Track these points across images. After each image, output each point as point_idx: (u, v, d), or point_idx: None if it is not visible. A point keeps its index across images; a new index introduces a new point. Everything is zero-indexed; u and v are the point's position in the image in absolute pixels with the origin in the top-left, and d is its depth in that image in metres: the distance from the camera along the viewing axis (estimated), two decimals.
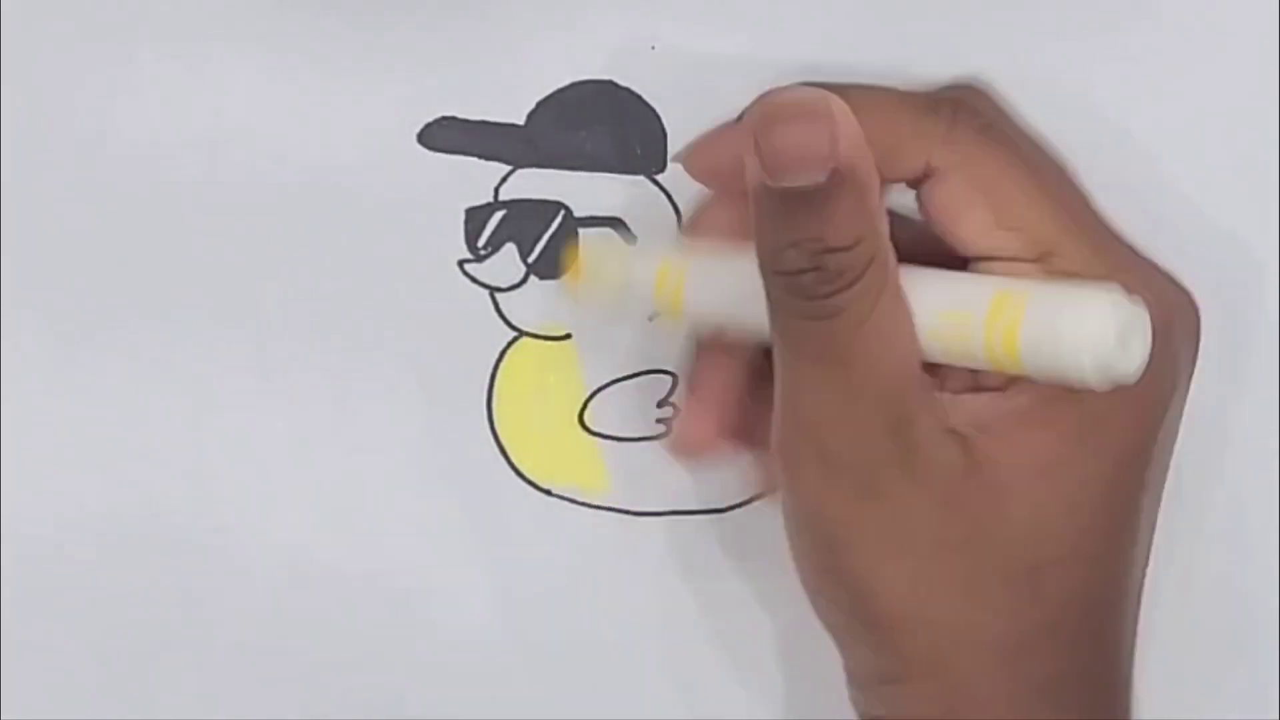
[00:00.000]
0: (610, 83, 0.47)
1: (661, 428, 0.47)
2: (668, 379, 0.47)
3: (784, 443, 0.40)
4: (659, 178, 0.47)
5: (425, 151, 0.47)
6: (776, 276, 0.38)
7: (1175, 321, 0.40)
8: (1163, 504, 0.45)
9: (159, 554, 0.46)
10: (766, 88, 0.47)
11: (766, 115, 0.38)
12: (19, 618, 0.46)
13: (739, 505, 0.47)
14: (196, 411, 0.47)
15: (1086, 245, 0.39)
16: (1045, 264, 0.39)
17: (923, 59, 0.47)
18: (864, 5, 0.47)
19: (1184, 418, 0.43)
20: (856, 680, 0.41)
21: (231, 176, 0.47)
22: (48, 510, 0.46)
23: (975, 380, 0.39)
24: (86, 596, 0.46)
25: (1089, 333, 0.35)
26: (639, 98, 0.47)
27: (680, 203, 0.47)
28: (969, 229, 0.39)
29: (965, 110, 0.40)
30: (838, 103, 0.37)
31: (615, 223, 0.47)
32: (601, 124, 0.47)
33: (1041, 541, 0.39)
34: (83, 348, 0.46)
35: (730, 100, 0.47)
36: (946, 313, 0.38)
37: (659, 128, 0.47)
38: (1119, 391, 0.37)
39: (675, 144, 0.47)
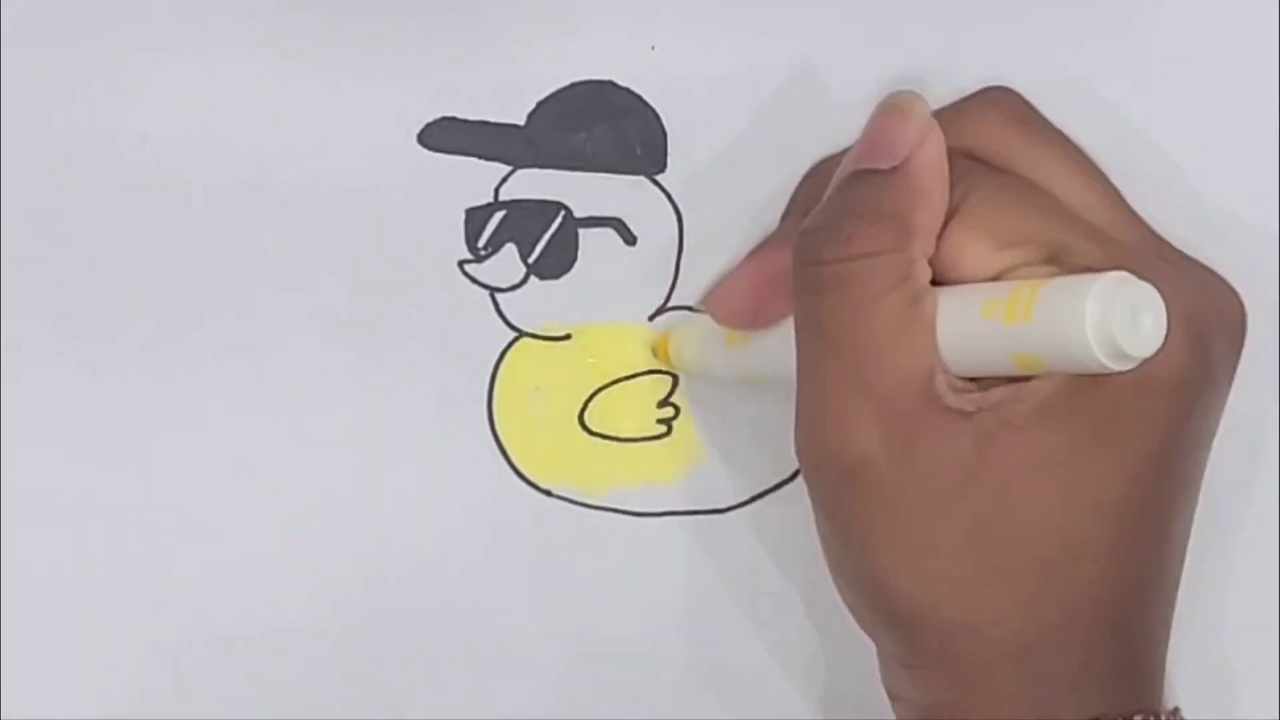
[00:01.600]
0: (610, 83, 0.47)
1: (662, 428, 0.47)
2: (668, 379, 0.47)
3: (798, 434, 0.40)
4: (659, 178, 0.47)
5: (425, 151, 0.47)
6: (799, 241, 0.39)
7: (1208, 315, 0.39)
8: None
9: (159, 553, 0.46)
10: (766, 88, 0.47)
11: (878, 106, 0.40)
12: (19, 618, 0.46)
13: (739, 505, 0.47)
14: (196, 411, 0.46)
15: (1095, 240, 0.39)
16: (1058, 263, 0.39)
17: (923, 60, 0.47)
18: (864, 6, 0.47)
19: None
20: (881, 656, 0.42)
21: (231, 176, 0.47)
22: (48, 510, 0.46)
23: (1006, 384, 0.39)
24: (87, 596, 0.46)
25: (1092, 310, 0.35)
26: (639, 98, 0.47)
27: (680, 203, 0.47)
28: (970, 264, 0.39)
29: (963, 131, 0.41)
30: (926, 113, 0.39)
31: (615, 223, 0.47)
32: (601, 124, 0.47)
33: (1050, 539, 0.38)
34: (82, 347, 0.46)
35: (730, 100, 0.47)
36: (970, 315, 0.38)
37: (659, 128, 0.47)
38: (1140, 388, 0.37)
39: (675, 144, 0.47)
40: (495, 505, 0.47)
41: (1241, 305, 0.41)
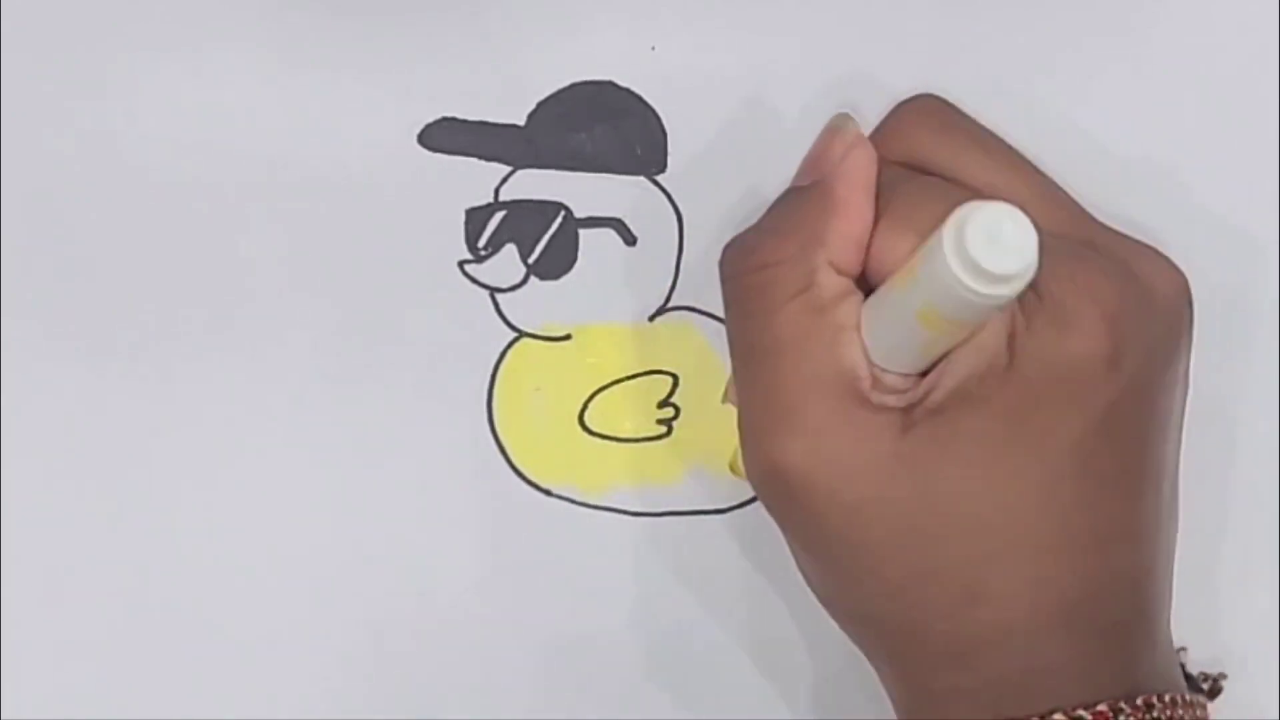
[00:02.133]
0: (610, 83, 0.47)
1: (662, 428, 0.47)
2: (668, 379, 0.47)
3: (742, 455, 0.41)
4: (659, 178, 0.47)
5: (425, 151, 0.47)
6: (721, 258, 0.41)
7: (1136, 297, 0.39)
8: None
9: (158, 553, 0.46)
10: (766, 88, 0.47)
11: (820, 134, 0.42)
12: (19, 618, 0.46)
13: (739, 505, 0.47)
14: (195, 411, 0.46)
15: None
16: None
17: (922, 60, 0.47)
18: (863, 6, 0.47)
19: (1184, 418, 0.43)
20: None
21: (232, 178, 0.47)
22: (48, 509, 0.46)
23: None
24: (87, 596, 0.46)
25: (948, 236, 0.35)
26: (639, 98, 0.47)
27: (680, 203, 0.47)
28: (901, 262, 0.39)
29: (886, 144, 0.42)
30: (856, 133, 0.41)
31: (615, 223, 0.47)
32: (601, 124, 0.47)
33: (978, 535, 0.38)
34: (82, 347, 0.46)
35: (730, 100, 0.47)
36: (884, 290, 0.39)
37: (659, 128, 0.47)
38: (1057, 375, 0.37)
39: (675, 144, 0.47)
40: (495, 505, 0.47)
41: (1180, 282, 0.41)
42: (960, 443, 0.38)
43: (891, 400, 0.39)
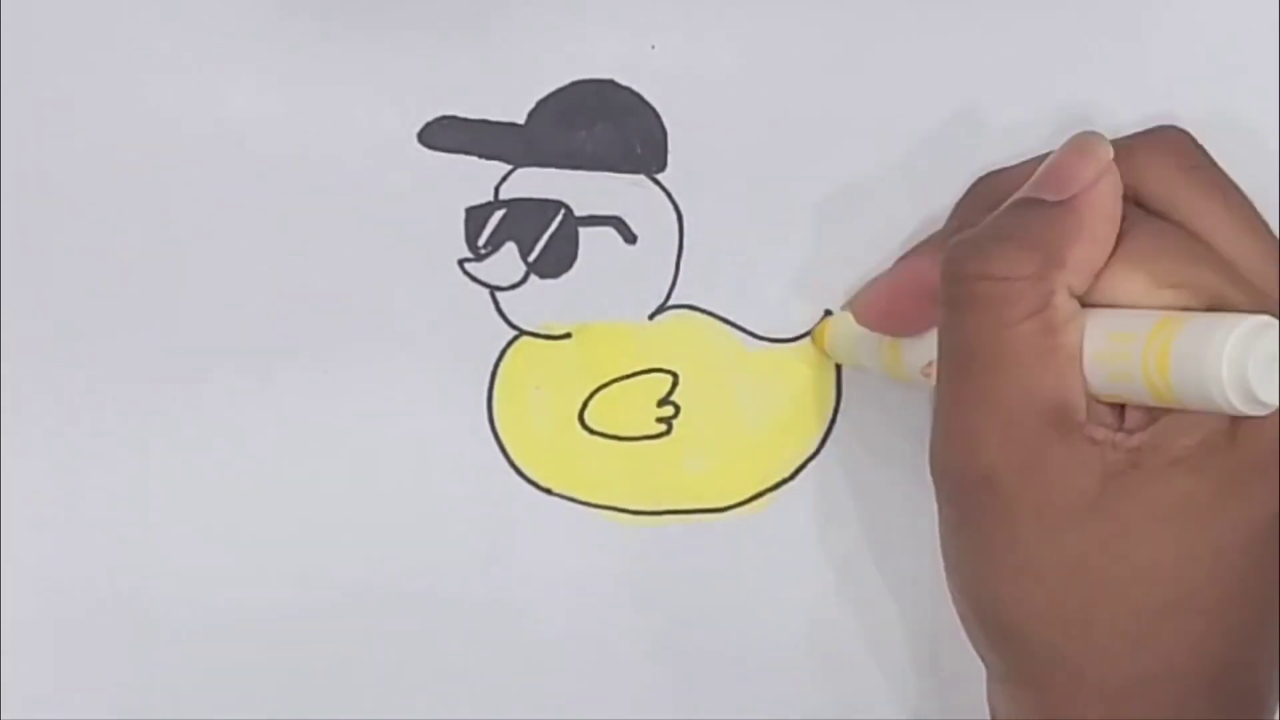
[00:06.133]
0: (610, 82, 0.47)
1: (662, 427, 0.47)
2: (668, 377, 0.47)
3: (931, 443, 0.41)
4: (659, 177, 0.47)
5: (425, 151, 0.47)
6: (949, 250, 0.40)
7: None
8: None
9: (158, 553, 0.46)
10: (766, 88, 0.47)
11: (1065, 143, 0.41)
12: (19, 618, 0.46)
13: (739, 505, 0.47)
14: (195, 411, 0.46)
15: (1252, 294, 0.39)
16: (1214, 310, 0.39)
17: (924, 62, 0.47)
18: (864, 6, 0.47)
19: None
20: (986, 669, 0.42)
21: (232, 176, 0.47)
22: (48, 510, 0.46)
23: (1151, 418, 0.39)
24: (87, 596, 0.46)
25: (1230, 350, 0.35)
26: (639, 98, 0.47)
27: (680, 202, 0.47)
28: (1127, 300, 0.39)
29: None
30: (1107, 156, 0.40)
31: (615, 221, 0.47)
32: (601, 124, 0.47)
33: (1160, 586, 0.39)
34: (82, 346, 0.46)
35: (730, 100, 0.47)
36: (1114, 334, 0.39)
37: (659, 128, 0.47)
38: (1274, 449, 0.38)
39: (675, 144, 0.47)
40: (495, 504, 0.47)
41: None
42: (1165, 503, 0.38)
43: (1100, 434, 0.39)
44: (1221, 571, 0.39)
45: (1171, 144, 0.42)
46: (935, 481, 0.41)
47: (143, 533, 0.46)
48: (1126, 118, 0.47)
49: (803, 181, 0.47)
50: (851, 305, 0.46)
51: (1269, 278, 0.41)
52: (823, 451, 0.47)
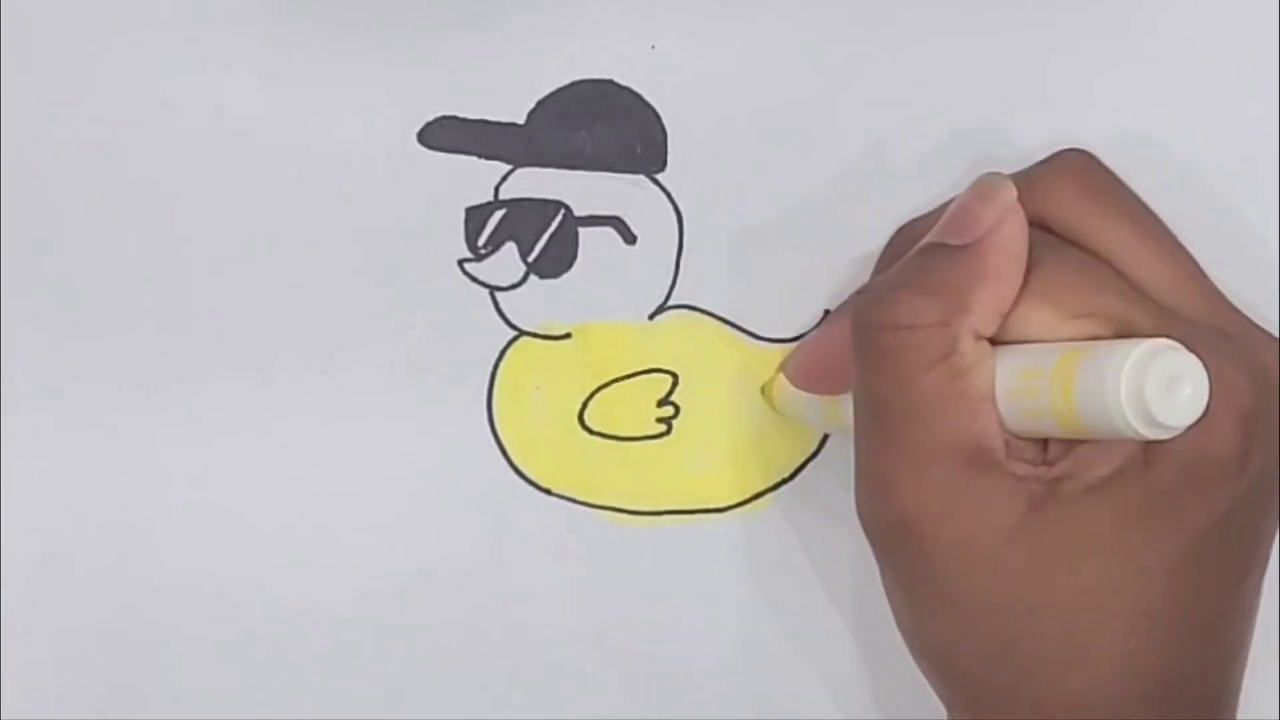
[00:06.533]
0: (610, 82, 0.47)
1: (662, 427, 0.47)
2: (668, 377, 0.47)
3: (855, 491, 0.41)
4: (659, 177, 0.47)
5: (425, 151, 0.47)
6: (855, 302, 0.41)
7: (1270, 393, 0.39)
8: None
9: (158, 553, 0.46)
10: (766, 88, 0.47)
11: (969, 186, 0.41)
12: (19, 617, 0.46)
13: (739, 505, 0.47)
14: (194, 411, 0.46)
15: (1161, 318, 0.40)
16: (1124, 338, 0.39)
17: (923, 61, 0.47)
18: (865, 6, 0.47)
19: None
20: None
21: (231, 176, 0.47)
22: (49, 510, 0.46)
23: (1071, 448, 0.39)
24: (87, 596, 0.46)
25: (1127, 375, 0.36)
26: (639, 97, 0.47)
27: (680, 202, 0.47)
28: (1036, 334, 0.40)
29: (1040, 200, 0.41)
30: (1011, 197, 0.40)
31: (615, 222, 0.47)
32: (601, 124, 0.47)
33: (1085, 610, 0.39)
34: (82, 346, 0.46)
35: (730, 100, 0.47)
36: (1024, 371, 0.39)
37: (659, 128, 0.47)
38: (1191, 472, 0.38)
39: (675, 144, 0.47)
40: (495, 505, 0.47)
41: None
42: (1085, 531, 0.39)
43: (1022, 470, 0.39)
44: (1147, 593, 0.39)
45: (1074, 168, 0.42)
46: (862, 524, 0.41)
47: (142, 533, 0.46)
48: (1125, 118, 0.47)
49: (803, 182, 0.47)
50: (784, 369, 0.46)
51: (1179, 294, 0.41)
52: (823, 451, 0.47)
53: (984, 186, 0.40)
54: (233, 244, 0.47)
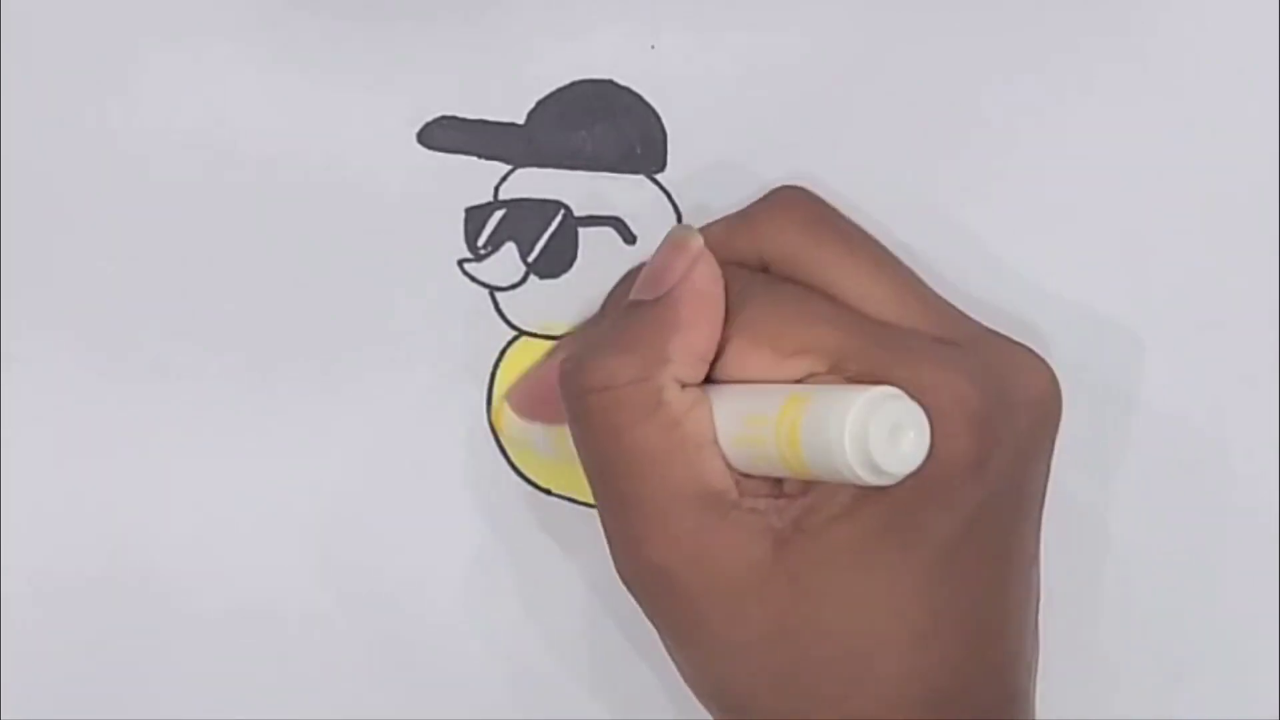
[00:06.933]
0: (610, 83, 0.47)
1: None
2: None
3: (612, 559, 0.41)
4: (659, 177, 0.47)
5: (425, 150, 0.47)
6: (561, 370, 0.41)
7: (999, 398, 0.40)
8: (1160, 504, 0.45)
9: (157, 553, 0.46)
10: (766, 88, 0.47)
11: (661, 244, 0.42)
12: (19, 617, 0.46)
13: None
14: (194, 411, 0.46)
15: (878, 342, 0.40)
16: (840, 371, 0.40)
17: (922, 60, 0.47)
18: (865, 6, 0.47)
19: (1185, 418, 0.44)
20: None
21: (231, 176, 0.47)
22: (48, 508, 0.46)
23: (804, 487, 0.40)
24: (87, 596, 0.46)
25: (850, 428, 0.36)
26: (639, 98, 0.47)
27: (680, 202, 0.47)
28: (755, 374, 0.40)
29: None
30: (700, 248, 0.41)
31: (615, 222, 0.47)
32: (601, 123, 0.47)
33: (849, 634, 0.39)
34: (83, 345, 0.46)
35: (730, 100, 0.47)
36: (747, 418, 0.39)
37: (659, 128, 0.47)
38: (926, 485, 0.38)
39: (675, 143, 0.47)
40: (495, 505, 0.47)
41: (1048, 378, 0.41)
42: (834, 555, 0.39)
43: (761, 505, 0.40)
44: (906, 609, 0.39)
45: (788, 203, 0.43)
46: (626, 588, 0.41)
47: (142, 534, 0.46)
48: (1125, 117, 0.47)
49: (802, 182, 0.47)
50: (508, 397, 0.46)
51: (900, 308, 0.41)
52: None
53: (674, 239, 0.41)
54: (232, 244, 0.47)
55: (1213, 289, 0.47)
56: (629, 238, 0.47)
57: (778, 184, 0.46)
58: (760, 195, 0.44)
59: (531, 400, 0.46)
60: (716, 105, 0.47)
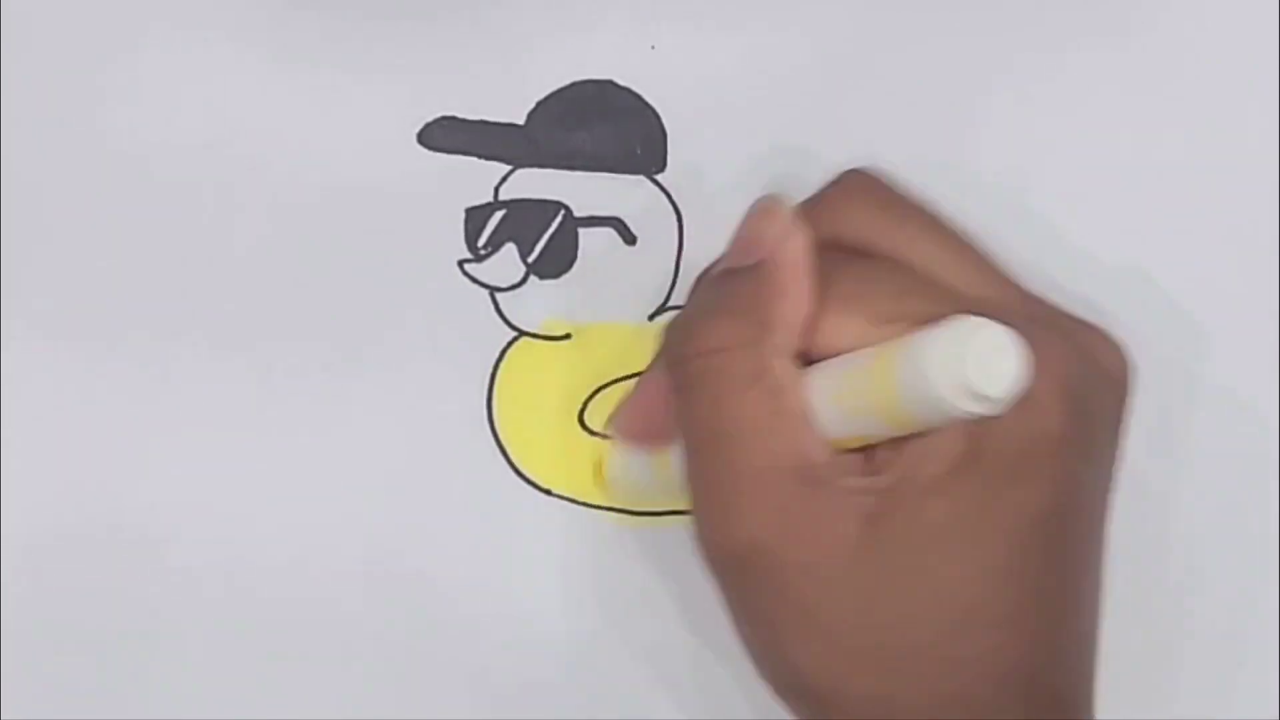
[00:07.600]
0: (610, 83, 0.47)
1: None
2: None
3: (694, 532, 0.41)
4: (659, 178, 0.47)
5: (425, 151, 0.47)
6: (664, 339, 0.41)
7: (1086, 375, 0.39)
8: (1158, 505, 0.45)
9: (157, 552, 0.46)
10: (766, 88, 0.47)
11: (747, 210, 0.41)
12: (19, 618, 0.46)
13: None
14: (195, 411, 0.47)
15: (969, 310, 0.39)
16: None
17: (923, 61, 0.47)
18: (865, 6, 0.47)
19: (1182, 419, 0.44)
20: None
21: (231, 176, 0.47)
22: (49, 511, 0.46)
23: (896, 454, 0.39)
24: (87, 595, 0.46)
25: (948, 355, 0.36)
26: (639, 98, 0.47)
27: (680, 203, 0.47)
28: (849, 344, 0.40)
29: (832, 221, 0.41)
30: (790, 215, 0.40)
31: (615, 222, 0.47)
32: (601, 124, 0.47)
33: (944, 609, 0.39)
34: (83, 345, 0.46)
35: (730, 100, 0.47)
36: (842, 375, 0.39)
37: (659, 128, 0.47)
38: (1020, 456, 0.38)
39: (675, 143, 0.47)
40: (495, 505, 0.47)
41: (1124, 359, 0.41)
42: (926, 530, 0.39)
43: (852, 482, 0.39)
44: (1000, 583, 0.39)
45: (863, 185, 0.42)
46: (707, 565, 0.41)
47: (142, 532, 0.46)
48: (1125, 117, 0.47)
49: (802, 182, 0.47)
50: (611, 430, 0.46)
51: (985, 289, 0.41)
52: None
53: (761, 207, 0.41)
54: (233, 244, 0.47)
55: (1213, 290, 0.47)
56: (629, 238, 0.47)
57: (777, 184, 0.46)
58: (758, 195, 0.43)
59: (633, 427, 0.45)
60: (716, 105, 0.47)
